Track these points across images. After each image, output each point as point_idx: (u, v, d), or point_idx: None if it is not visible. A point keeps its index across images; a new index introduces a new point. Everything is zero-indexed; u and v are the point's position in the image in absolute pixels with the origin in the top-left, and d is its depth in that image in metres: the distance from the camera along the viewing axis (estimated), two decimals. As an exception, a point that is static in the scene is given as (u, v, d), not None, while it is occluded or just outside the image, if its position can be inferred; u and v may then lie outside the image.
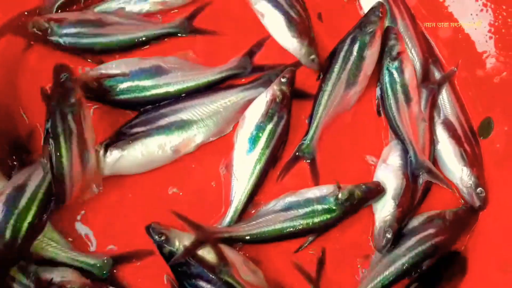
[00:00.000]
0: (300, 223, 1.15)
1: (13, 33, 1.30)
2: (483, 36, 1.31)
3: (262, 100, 1.24)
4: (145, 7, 1.37)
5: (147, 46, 1.35)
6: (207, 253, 1.08)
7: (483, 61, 1.32)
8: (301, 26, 1.33)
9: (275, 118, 1.23)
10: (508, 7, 1.25)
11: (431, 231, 1.18)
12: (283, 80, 1.24)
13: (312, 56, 1.32)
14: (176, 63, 1.29)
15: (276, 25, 1.34)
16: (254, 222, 1.15)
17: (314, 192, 1.19)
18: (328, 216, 1.15)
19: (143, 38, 1.33)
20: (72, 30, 1.29)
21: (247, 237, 1.14)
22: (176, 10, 1.39)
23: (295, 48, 1.33)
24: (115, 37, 1.31)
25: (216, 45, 1.37)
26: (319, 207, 1.16)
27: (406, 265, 1.14)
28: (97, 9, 1.37)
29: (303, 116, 1.31)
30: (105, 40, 1.30)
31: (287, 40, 1.34)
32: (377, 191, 1.20)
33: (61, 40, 1.29)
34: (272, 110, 1.22)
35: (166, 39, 1.36)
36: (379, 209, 1.20)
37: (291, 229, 1.15)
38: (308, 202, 1.17)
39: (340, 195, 1.15)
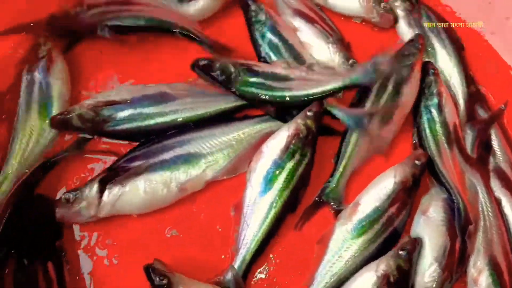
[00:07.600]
0: None
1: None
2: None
3: (283, 134, 1.07)
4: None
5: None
6: None
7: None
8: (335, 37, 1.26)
9: (297, 156, 1.06)
10: None
11: None
12: (309, 113, 1.08)
13: (351, 61, 1.20)
14: (184, 89, 1.15)
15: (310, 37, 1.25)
16: None
17: None
18: None
19: None
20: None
21: None
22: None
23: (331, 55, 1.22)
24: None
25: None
26: None
27: None
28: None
29: (330, 152, 1.14)
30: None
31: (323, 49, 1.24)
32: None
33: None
34: (294, 146, 1.06)
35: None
36: (420, 273, 0.99)
37: None
38: None
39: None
